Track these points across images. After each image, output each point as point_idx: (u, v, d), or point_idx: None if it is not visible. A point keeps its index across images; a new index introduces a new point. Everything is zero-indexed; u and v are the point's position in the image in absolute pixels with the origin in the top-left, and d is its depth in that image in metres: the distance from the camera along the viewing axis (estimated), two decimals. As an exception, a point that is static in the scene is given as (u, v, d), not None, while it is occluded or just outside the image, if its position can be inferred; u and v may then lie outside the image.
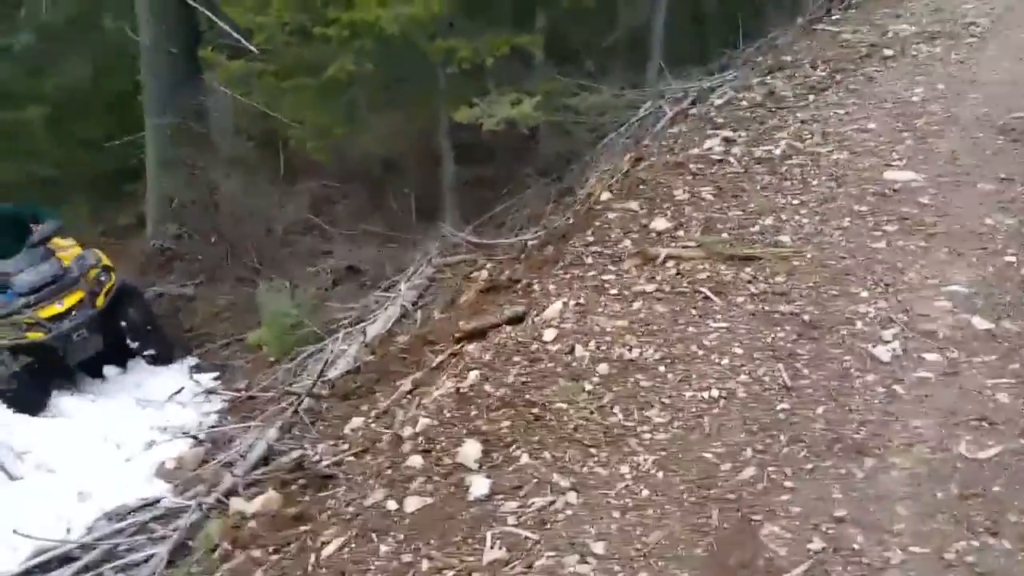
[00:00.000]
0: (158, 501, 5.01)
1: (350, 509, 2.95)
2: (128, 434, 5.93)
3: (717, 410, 2.98)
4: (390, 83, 6.94)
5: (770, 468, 2.67)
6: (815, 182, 4.63)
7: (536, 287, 4.27)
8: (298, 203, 8.51)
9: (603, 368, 3.30)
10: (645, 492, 2.64)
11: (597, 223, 4.62)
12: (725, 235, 4.20)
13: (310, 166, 8.92)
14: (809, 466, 2.66)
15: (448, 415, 3.18)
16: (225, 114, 8.48)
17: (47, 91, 10.89)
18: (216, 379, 6.82)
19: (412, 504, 2.73)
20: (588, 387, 3.20)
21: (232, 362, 7.04)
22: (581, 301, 3.83)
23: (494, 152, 9.41)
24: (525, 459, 2.85)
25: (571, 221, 5.50)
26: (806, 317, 3.44)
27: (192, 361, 7.15)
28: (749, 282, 3.78)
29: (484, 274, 6.15)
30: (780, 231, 4.18)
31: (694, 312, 3.62)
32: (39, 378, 6.19)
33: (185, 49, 8.19)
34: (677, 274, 3.92)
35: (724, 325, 3.48)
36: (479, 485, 2.73)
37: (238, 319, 7.61)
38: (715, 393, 3.06)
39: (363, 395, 4.83)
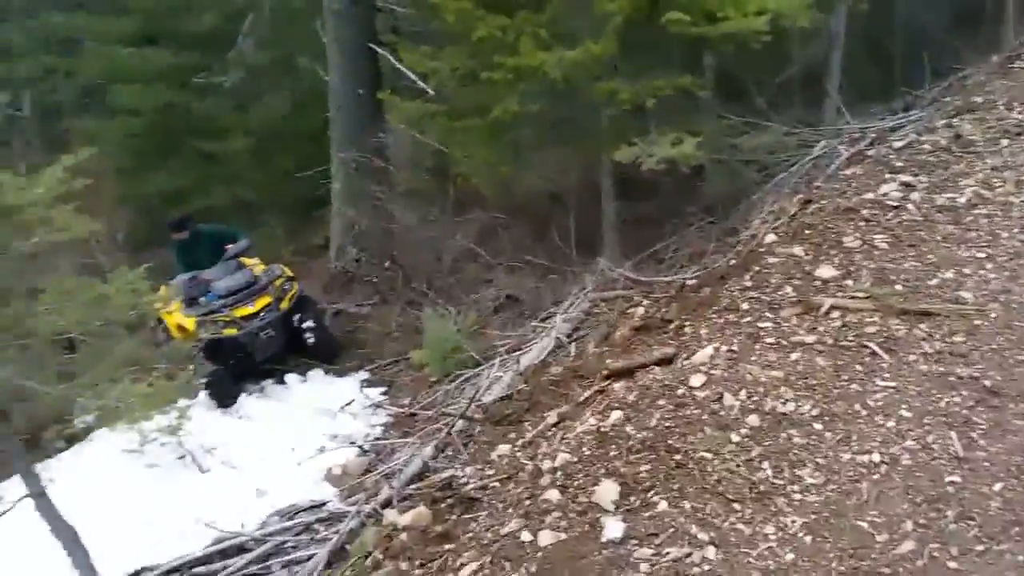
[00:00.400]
0: (324, 504, 5.38)
1: (488, 535, 3.05)
2: (303, 439, 6.39)
3: (878, 476, 2.81)
4: (553, 123, 7.12)
5: (932, 545, 2.49)
6: (1005, 234, 4.26)
7: (688, 329, 4.21)
8: (465, 233, 8.87)
9: (753, 420, 3.21)
10: (790, 556, 2.54)
11: (757, 267, 4.49)
12: (899, 287, 3.96)
13: (479, 198, 9.28)
14: (979, 547, 2.46)
15: (588, 452, 3.21)
16: (403, 150, 9.04)
17: (251, 125, 12.18)
18: (383, 394, 7.22)
19: (545, 538, 2.78)
20: (736, 438, 3.12)
21: (398, 379, 7.43)
22: (734, 348, 3.74)
23: (659, 189, 9.37)
24: (663, 506, 2.83)
25: (731, 263, 5.36)
26: (987, 382, 3.17)
27: (363, 376, 7.61)
28: (923, 340, 3.54)
29: (640, 311, 6.11)
30: (962, 286, 3.88)
31: (859, 368, 3.43)
32: (233, 375, 7.01)
33: (370, 90, 8.81)
34: (842, 326, 3.74)
35: (892, 384, 3.28)
36: (613, 527, 2.73)
37: (406, 339, 8.01)
38: (876, 457, 2.89)
39: (512, 422, 4.94)
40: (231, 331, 6.82)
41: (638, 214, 9.26)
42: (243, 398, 7.28)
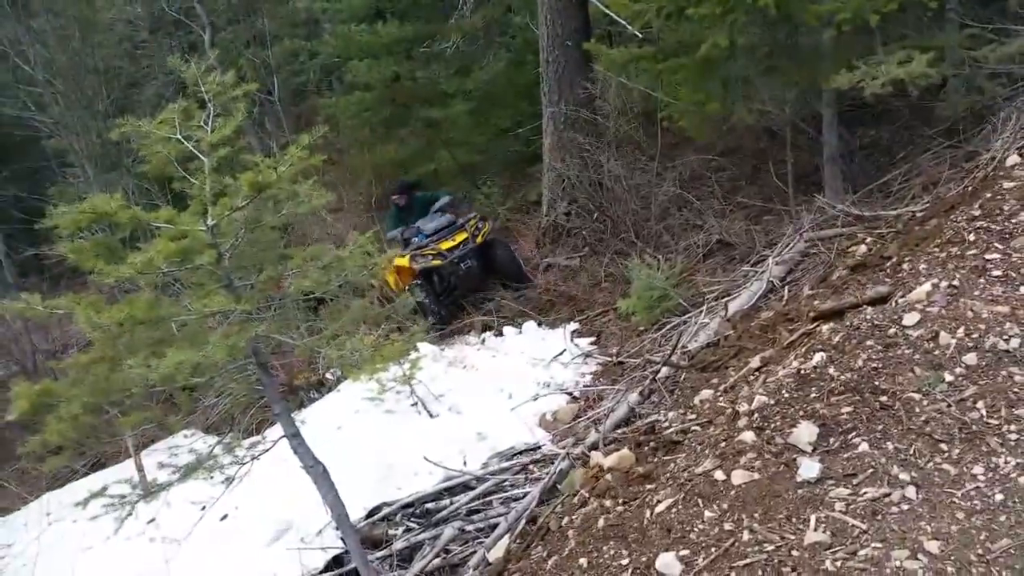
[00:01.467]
0: (538, 447, 5.75)
1: (684, 475, 3.14)
2: (519, 387, 6.82)
3: (1112, 416, 2.52)
4: (766, 53, 6.76)
5: None
6: None
7: (906, 266, 3.93)
8: (675, 179, 8.75)
9: (970, 358, 2.98)
10: (999, 496, 2.39)
11: (989, 194, 4.06)
12: None
13: (689, 142, 9.10)
14: None
15: (786, 395, 3.17)
16: (612, 99, 9.05)
17: (470, 88, 12.75)
18: (593, 343, 7.45)
19: (739, 477, 2.82)
20: (949, 377, 2.93)
21: (607, 328, 7.61)
22: (955, 283, 3.46)
23: (890, 113, 8.60)
24: (864, 447, 2.75)
25: (964, 190, 4.86)
26: None
27: (574, 326, 7.90)
28: None
29: (862, 249, 5.75)
30: None
31: (1104, 300, 3.05)
32: (446, 298, 8.55)
33: (579, 40, 8.89)
34: (1088, 255, 3.32)
35: None
36: (809, 467, 2.71)
37: (615, 289, 8.15)
38: (1118, 400, 2.58)
39: (717, 368, 4.93)
40: (437, 262, 8.21)
41: (865, 143, 8.59)
42: (465, 349, 7.90)
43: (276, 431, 7.46)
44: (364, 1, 12.30)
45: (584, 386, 6.53)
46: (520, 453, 5.75)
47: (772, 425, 3.03)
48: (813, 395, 3.09)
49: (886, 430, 2.77)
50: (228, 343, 3.27)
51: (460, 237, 8.35)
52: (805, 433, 2.86)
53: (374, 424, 6.71)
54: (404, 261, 8.18)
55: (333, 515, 4.10)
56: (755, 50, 6.73)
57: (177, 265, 3.42)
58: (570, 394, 6.36)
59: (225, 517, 6.24)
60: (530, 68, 10.99)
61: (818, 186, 7.43)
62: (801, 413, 3.01)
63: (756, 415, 3.14)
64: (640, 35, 7.72)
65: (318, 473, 3.94)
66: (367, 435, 6.56)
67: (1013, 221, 3.73)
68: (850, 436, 2.80)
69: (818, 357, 3.32)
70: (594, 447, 4.67)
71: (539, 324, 8.22)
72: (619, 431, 4.93)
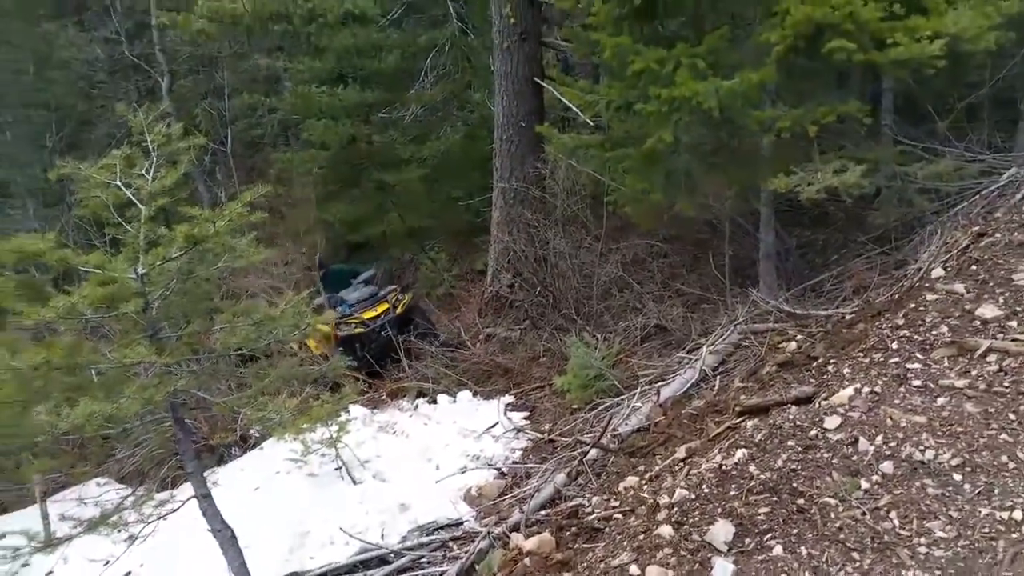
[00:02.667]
0: (460, 523, 5.61)
1: (601, 566, 3.09)
2: (447, 458, 6.70)
3: (1017, 535, 2.58)
4: (709, 151, 7.03)
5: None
6: None
7: (831, 368, 4.04)
8: (618, 261, 8.91)
9: (887, 467, 3.04)
10: (907, 612, 2.40)
11: (913, 304, 4.22)
12: (1069, 331, 3.59)
13: (635, 225, 9.30)
14: None
15: (706, 490, 3.17)
16: (561, 180, 9.25)
17: (424, 155, 12.92)
18: (526, 418, 7.40)
19: (653, 573, 2.79)
20: (865, 485, 2.97)
21: (541, 404, 7.58)
22: (876, 389, 3.55)
23: (827, 217, 8.99)
24: (778, 550, 2.75)
25: (891, 298, 5.05)
26: None
27: (508, 399, 7.84)
28: (1093, 391, 3.19)
29: (792, 345, 5.89)
30: None
31: (1012, 417, 3.16)
32: (367, 354, 8.78)
33: (532, 122, 9.12)
34: (999, 371, 3.45)
35: (1048, 438, 2.99)
36: (723, 568, 2.70)
37: (552, 364, 8.16)
38: (1019, 515, 2.65)
39: (645, 455, 4.93)
40: (360, 330, 8.81)
41: (802, 243, 8.92)
42: (397, 415, 7.77)
43: (189, 488, 7.21)
44: (327, 65, 12.45)
45: (513, 462, 6.45)
46: (442, 528, 5.61)
47: (690, 520, 3.02)
48: (732, 492, 3.10)
49: (801, 534, 2.78)
50: (144, 396, 3.14)
51: (381, 308, 9.07)
52: (721, 532, 2.85)
53: (294, 487, 6.49)
54: (328, 328, 8.55)
55: (237, 583, 3.90)
56: (699, 147, 6.98)
57: (102, 312, 3.30)
58: (498, 470, 6.27)
59: (128, 574, 5.89)
60: (484, 142, 11.20)
61: (754, 280, 7.64)
62: (719, 511, 3.01)
63: (676, 508, 3.13)
64: (591, 123, 7.97)
65: (225, 538, 3.77)
66: (286, 498, 6.32)
67: (934, 333, 3.87)
68: (765, 538, 2.81)
69: (740, 454, 3.35)
70: (516, 528, 4.58)
71: (474, 394, 8.15)
72: (543, 512, 4.85)
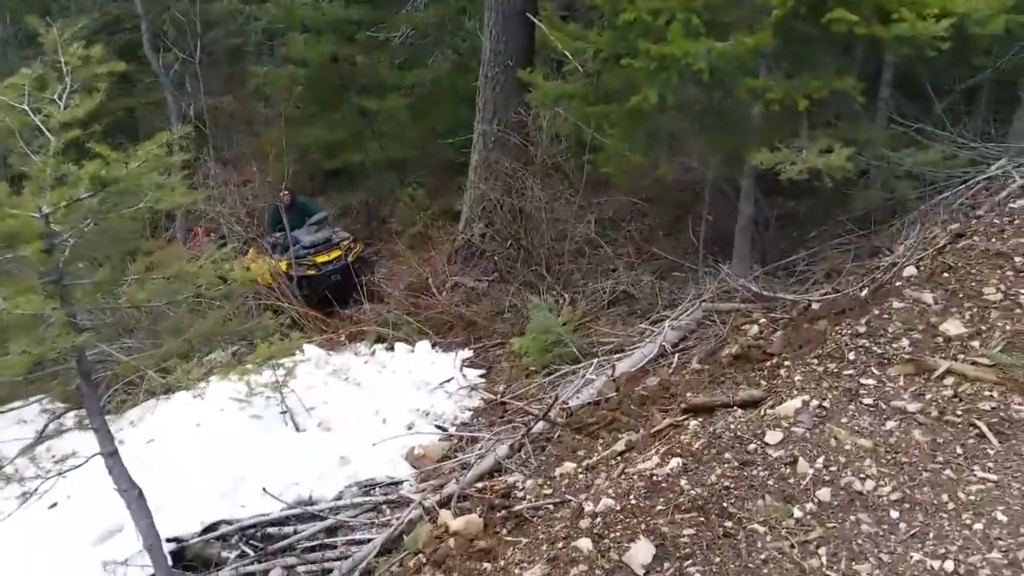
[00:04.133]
0: (399, 483, 5.48)
1: (516, 571, 2.93)
2: (396, 412, 6.53)
3: (946, 589, 2.44)
4: (696, 114, 6.70)
5: None
6: None
7: (783, 372, 3.85)
8: (594, 219, 8.64)
9: (823, 494, 2.88)
10: (818, 666, 2.25)
11: (877, 310, 4.01)
12: (1034, 358, 3.41)
13: (614, 184, 9.00)
14: None
15: (633, 502, 3.01)
16: (545, 126, 8.87)
17: (410, 83, 12.38)
18: (481, 376, 7.24)
19: (564, 591, 2.63)
20: (798, 514, 2.81)
21: (499, 363, 7.41)
22: (825, 404, 3.37)
23: (812, 190, 8.72)
24: (696, 579, 2.59)
25: (858, 294, 4.83)
26: (1115, 495, 2.67)
27: (467, 354, 7.67)
28: (1050, 429, 3.02)
29: (754, 329, 5.71)
30: (1118, 369, 3.28)
31: (959, 451, 2.99)
32: (318, 295, 9.07)
33: (521, 62, 8.67)
34: (954, 396, 3.27)
35: (993, 478, 2.83)
36: (635, 595, 2.54)
37: (516, 321, 7.95)
38: (950, 566, 2.50)
39: (589, 433, 4.77)
40: (311, 272, 9.07)
41: (783, 214, 8.64)
42: (352, 359, 7.57)
43: (141, 413, 7.01)
44: (313, -26, 11.80)
45: (462, 423, 6.31)
46: (379, 486, 5.48)
47: (612, 535, 2.85)
48: (659, 508, 2.93)
49: (723, 564, 2.62)
50: (37, 352, 2.89)
51: (334, 254, 9.29)
52: (641, 553, 2.69)
53: (237, 428, 6.29)
54: (284, 266, 8.92)
55: (144, 544, 3.75)
56: (685, 109, 6.65)
57: None
58: (443, 430, 6.12)
59: (54, 505, 5.73)
60: (474, 75, 10.68)
61: (729, 252, 7.42)
62: (643, 527, 2.84)
63: (599, 519, 2.97)
64: (581, 69, 7.58)
65: (132, 498, 3.59)
66: (225, 439, 6.13)
67: (894, 346, 3.68)
68: (686, 564, 2.65)
69: (675, 463, 3.18)
70: (447, 501, 4.44)
71: (433, 345, 7.97)
72: (480, 484, 4.71)
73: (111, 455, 3.47)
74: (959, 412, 3.17)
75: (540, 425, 5.26)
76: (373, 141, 12.52)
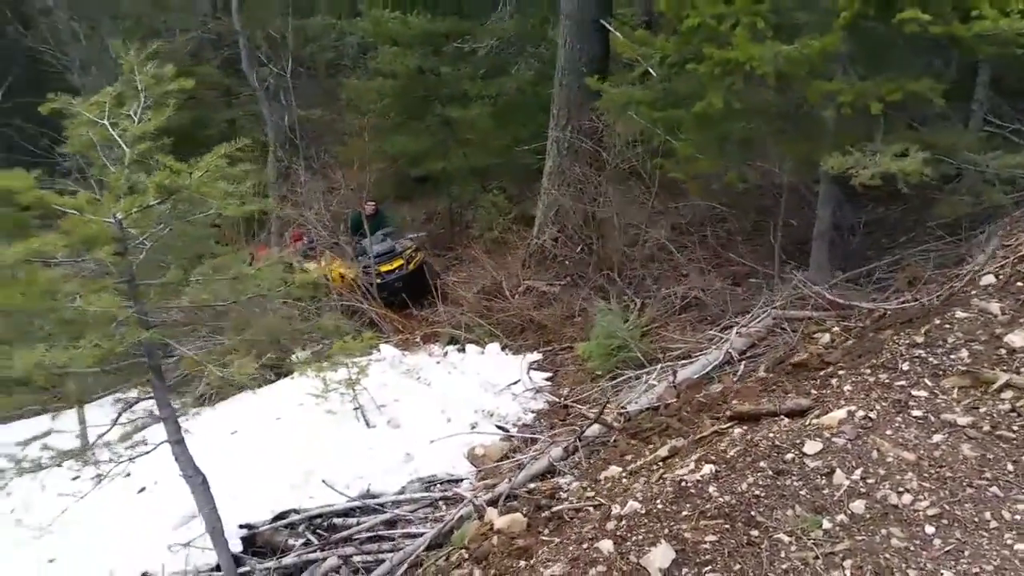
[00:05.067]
0: (459, 481, 5.61)
1: (541, 569, 2.99)
2: (462, 412, 6.68)
3: (974, 610, 2.34)
4: (767, 119, 6.54)
5: None
6: None
7: (834, 381, 3.75)
8: (668, 224, 8.57)
9: (857, 506, 2.80)
10: None
11: (939, 320, 3.85)
12: (1106, 375, 3.20)
13: (688, 188, 8.88)
14: None
15: (659, 506, 3.01)
16: (620, 132, 8.86)
17: (493, 92, 12.58)
18: (548, 379, 7.30)
19: (581, 590, 2.67)
20: (827, 525, 2.75)
21: (566, 366, 7.45)
22: (871, 415, 3.27)
23: (901, 195, 8.38)
24: (714, 585, 2.58)
25: (930, 304, 4.64)
26: None
27: (535, 357, 7.75)
28: (1110, 448, 2.84)
29: (826, 338, 5.55)
30: None
31: (1010, 468, 2.85)
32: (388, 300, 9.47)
33: (596, 69, 8.69)
34: (1011, 411, 3.12)
35: (1042, 498, 2.68)
36: (650, 597, 2.55)
37: (585, 325, 7.97)
38: (982, 587, 2.40)
39: (643, 439, 4.76)
40: (377, 280, 9.51)
41: (872, 220, 8.33)
42: (425, 360, 7.79)
43: (231, 407, 7.45)
44: (400, -11, 12.18)
45: (524, 424, 6.39)
46: (439, 484, 5.63)
47: (634, 538, 2.87)
48: (685, 513, 2.92)
49: (743, 571, 2.60)
50: (106, 346, 3.16)
51: (397, 263, 9.79)
52: (660, 557, 2.69)
53: (312, 422, 6.60)
54: (351, 273, 9.50)
55: (207, 527, 4.00)
56: (755, 114, 6.52)
57: (75, 255, 3.32)
58: (505, 430, 6.21)
59: (143, 490, 6.16)
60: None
61: (809, 259, 7.21)
62: (666, 531, 2.84)
63: (624, 522, 2.98)
64: (655, 75, 7.54)
65: (196, 484, 3.84)
66: (300, 432, 6.45)
67: (952, 357, 3.53)
68: (705, 570, 2.63)
69: (707, 469, 3.15)
70: (495, 501, 4.52)
71: (503, 347, 8.10)
72: (531, 484, 4.79)
73: (178, 443, 3.73)
74: (1015, 428, 3.02)
75: (597, 429, 5.28)
76: (457, 149, 12.77)
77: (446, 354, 8.17)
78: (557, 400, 6.64)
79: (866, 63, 6.03)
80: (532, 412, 6.65)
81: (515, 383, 7.22)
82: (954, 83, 7.99)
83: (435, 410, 6.77)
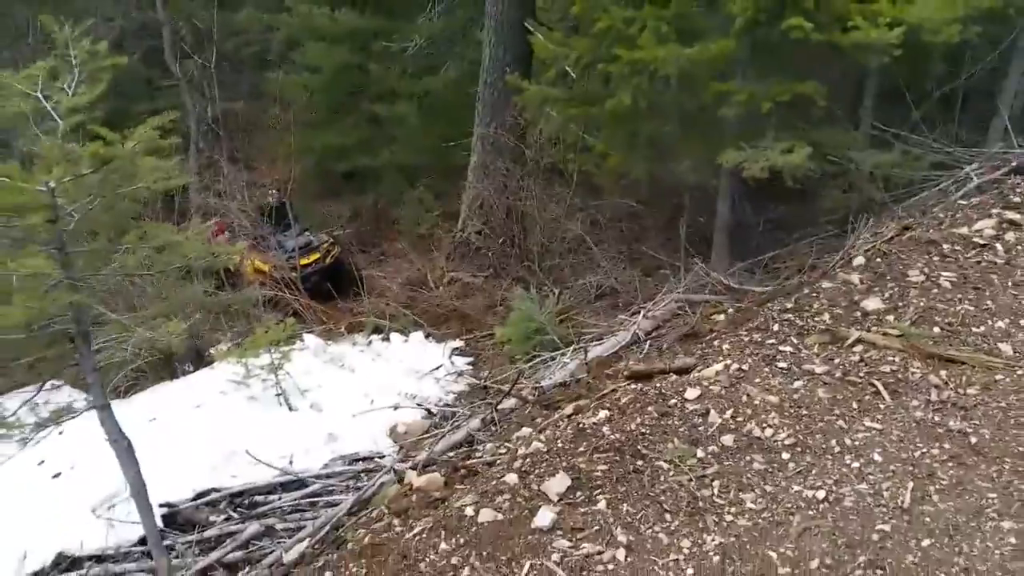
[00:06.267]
0: (381, 456, 5.86)
1: (455, 506, 3.30)
2: (384, 395, 6.92)
3: (813, 512, 2.78)
4: (672, 118, 7.05)
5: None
6: (1090, 290, 3.86)
7: (716, 343, 4.19)
8: (585, 217, 9.03)
9: (727, 439, 3.22)
10: (690, 572, 2.60)
11: (807, 290, 4.35)
12: (937, 329, 3.73)
13: (607, 185, 9.37)
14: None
15: (560, 445, 3.37)
16: (539, 129, 9.28)
17: (418, 91, 12.83)
18: (470, 363, 7.63)
19: (485, 515, 3.00)
20: (700, 454, 3.16)
21: (487, 351, 7.80)
22: (743, 367, 3.72)
23: (798, 192, 9.03)
24: (601, 504, 2.95)
25: (803, 279, 5.17)
26: (974, 439, 2.99)
27: (457, 344, 8.07)
28: (935, 387, 3.35)
29: (722, 318, 6.05)
30: (1009, 338, 3.59)
31: (855, 406, 3.33)
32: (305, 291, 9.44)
33: (520, 69, 9.08)
34: (860, 361, 3.61)
35: (878, 427, 3.16)
36: (544, 516, 2.90)
37: (506, 314, 8.32)
38: (821, 494, 2.84)
39: (556, 408, 5.12)
40: (293, 273, 9.58)
41: (773, 216, 8.96)
42: (349, 349, 8.00)
43: (149, 396, 7.48)
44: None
45: (444, 404, 6.68)
46: (361, 460, 5.86)
47: (536, 471, 3.22)
48: (581, 449, 3.29)
49: (628, 492, 2.98)
50: (37, 305, 3.32)
51: (314, 256, 9.98)
52: (557, 484, 3.05)
53: (233, 408, 6.71)
54: (265, 267, 9.63)
55: (132, 491, 4.15)
56: (660, 114, 6.99)
57: (4, 221, 3.46)
58: (426, 409, 6.50)
59: (58, 475, 6.16)
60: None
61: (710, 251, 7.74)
62: (564, 464, 3.20)
63: (528, 459, 3.33)
64: (573, 75, 7.98)
65: (121, 448, 3.99)
66: (222, 418, 6.56)
67: (815, 319, 4.02)
68: (595, 493, 3.00)
69: (602, 415, 3.54)
70: (417, 466, 4.80)
71: (427, 336, 8.37)
72: (451, 453, 5.08)
73: (103, 408, 3.89)
74: (862, 374, 3.50)
75: (513, 403, 5.63)
76: (384, 146, 12.94)
77: (370, 343, 8.38)
78: (477, 382, 6.97)
79: (761, 67, 6.57)
80: (453, 394, 6.96)
81: (438, 368, 7.50)
82: (846, 88, 8.74)
83: (358, 394, 6.98)
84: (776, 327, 4.03)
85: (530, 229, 9.23)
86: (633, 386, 4.04)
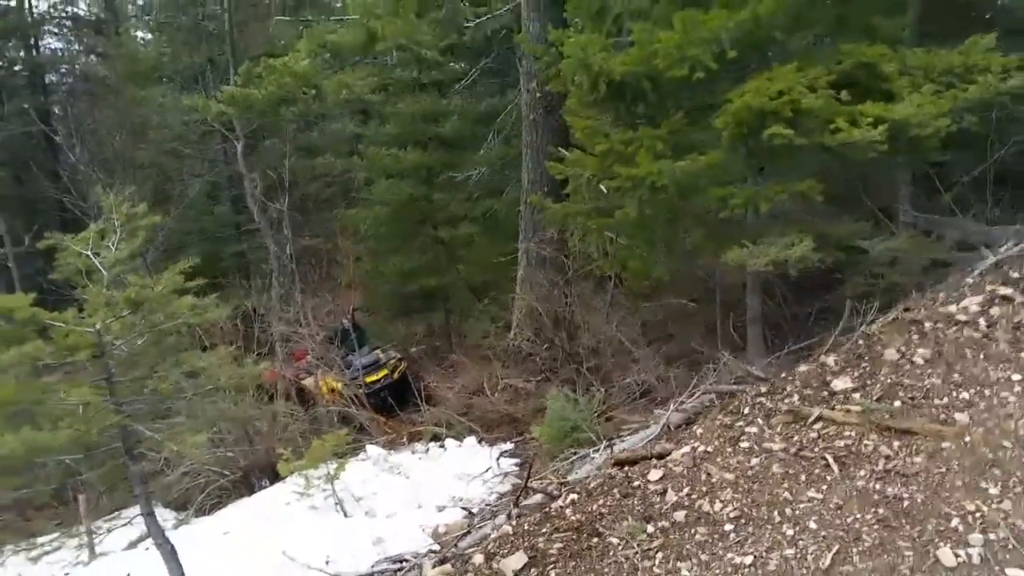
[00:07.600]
0: (420, 556, 6.18)
1: (435, 584, 3.63)
2: (434, 499, 7.30)
3: (738, 577, 2.96)
4: (671, 224, 7.39)
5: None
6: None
7: (694, 427, 4.42)
8: (626, 320, 9.36)
9: (679, 515, 3.45)
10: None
11: (784, 373, 4.55)
12: (898, 403, 3.86)
13: (646, 288, 9.73)
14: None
15: (526, 527, 3.67)
16: (575, 241, 9.84)
17: (477, 214, 13.77)
18: (517, 464, 7.93)
19: (443, 586, 3.31)
20: (650, 529, 3.40)
21: (531, 453, 8.08)
22: (709, 449, 3.94)
23: (828, 285, 9.13)
24: (551, 579, 3.22)
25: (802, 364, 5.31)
26: (906, 503, 3.11)
27: (507, 446, 8.40)
28: (885, 457, 3.49)
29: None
30: (968, 408, 3.69)
31: (803, 479, 3.50)
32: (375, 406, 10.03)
33: (555, 189, 9.75)
34: (817, 437, 3.78)
35: (819, 497, 3.33)
36: (497, 591, 3.19)
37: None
38: (748, 560, 3.02)
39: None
40: (361, 391, 10.13)
41: (819, 308, 9.06)
42: (408, 457, 8.48)
43: (228, 512, 8.12)
44: (393, 130, 13.60)
45: (486, 504, 6.97)
46: (404, 560, 6.20)
47: (501, 552, 3.52)
48: (545, 529, 3.58)
49: (577, 566, 3.24)
50: (80, 429, 3.96)
51: (382, 373, 10.54)
52: (515, 561, 3.34)
53: (295, 518, 7.24)
54: (338, 385, 10.22)
55: (177, 591, 4.65)
56: (671, 220, 7.38)
57: (59, 358, 4.17)
58: (466, 509, 6.80)
59: None
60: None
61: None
62: (525, 544, 3.50)
63: (496, 543, 3.64)
64: (604, 190, 8.54)
65: (166, 551, 4.52)
66: (284, 527, 7.08)
67: (785, 402, 4.21)
68: (548, 568, 3.28)
69: (569, 498, 3.82)
70: (440, 563, 5.11)
71: (479, 440, 8.76)
72: (475, 547, 5.37)
73: (149, 515, 4.46)
74: (815, 449, 3.67)
75: (540, 498, 5.89)
76: (451, 265, 13.82)
77: (427, 450, 8.83)
78: (520, 482, 7.24)
79: (757, 170, 6.91)
80: (497, 494, 7.24)
81: (486, 471, 7.83)
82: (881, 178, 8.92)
83: (410, 499, 7.39)
84: (747, 410, 4.24)
85: (576, 333, 9.62)
86: (609, 471, 4.30)
